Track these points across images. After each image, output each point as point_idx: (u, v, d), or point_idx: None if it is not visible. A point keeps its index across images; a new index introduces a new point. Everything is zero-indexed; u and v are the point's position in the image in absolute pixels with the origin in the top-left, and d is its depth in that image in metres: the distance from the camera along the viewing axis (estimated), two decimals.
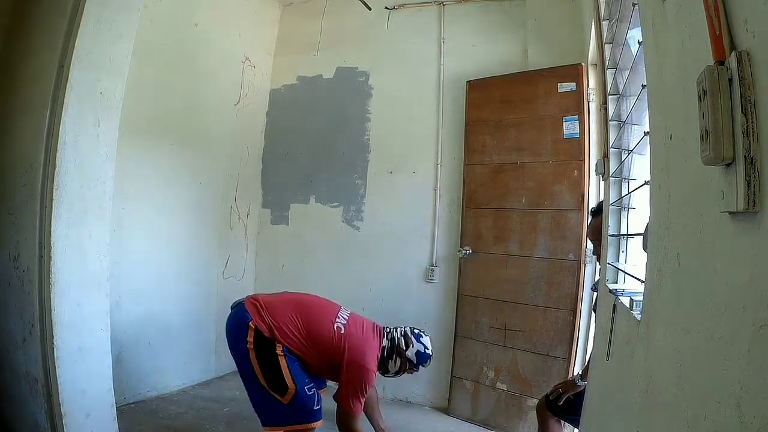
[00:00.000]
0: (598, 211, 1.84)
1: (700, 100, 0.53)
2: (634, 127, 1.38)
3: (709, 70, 0.51)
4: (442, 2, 3.27)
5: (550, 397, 1.92)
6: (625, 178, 1.48)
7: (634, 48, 1.22)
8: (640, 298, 0.97)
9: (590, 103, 2.63)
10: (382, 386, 2.99)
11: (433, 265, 3.14)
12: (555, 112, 2.71)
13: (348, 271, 3.37)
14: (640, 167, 1.39)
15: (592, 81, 2.63)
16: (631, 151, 1.34)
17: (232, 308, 2.01)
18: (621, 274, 1.43)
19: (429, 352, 2.04)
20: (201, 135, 3.19)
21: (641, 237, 1.06)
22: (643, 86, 1.06)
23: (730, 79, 0.49)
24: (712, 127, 0.50)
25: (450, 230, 3.12)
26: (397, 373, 2.04)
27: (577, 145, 2.62)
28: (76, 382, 1.80)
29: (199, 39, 3.11)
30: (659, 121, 0.85)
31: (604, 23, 1.71)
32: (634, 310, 1.03)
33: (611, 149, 1.54)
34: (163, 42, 2.84)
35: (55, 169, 1.77)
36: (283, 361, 1.85)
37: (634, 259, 1.41)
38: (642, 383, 0.81)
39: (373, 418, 2.31)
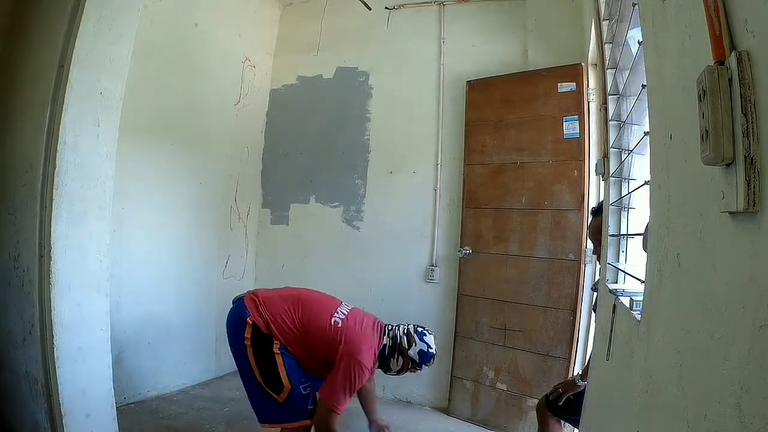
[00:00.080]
0: (598, 211, 1.84)
1: (700, 100, 0.53)
2: (634, 127, 1.38)
3: (709, 70, 0.51)
4: (442, 2, 3.27)
5: (550, 397, 1.91)
6: (625, 178, 1.48)
7: (634, 48, 1.22)
8: (640, 298, 0.97)
9: (590, 103, 2.63)
10: (382, 386, 2.99)
11: (433, 265, 3.14)
12: (555, 112, 2.71)
13: (348, 271, 3.37)
14: (640, 167, 1.39)
15: (592, 81, 2.63)
16: (631, 151, 1.34)
17: (233, 302, 2.00)
18: (621, 274, 1.43)
19: (432, 351, 1.97)
20: (201, 135, 3.19)
21: (641, 237, 1.06)
22: (643, 86, 1.06)
23: (730, 79, 0.49)
24: (712, 127, 0.50)
25: (450, 230, 3.12)
26: (399, 372, 1.99)
27: (577, 145, 2.62)
28: (76, 382, 1.80)
29: (199, 39, 3.11)
30: (659, 121, 0.85)
31: (604, 23, 1.71)
32: (634, 310, 1.03)
33: (611, 149, 1.54)
34: (163, 42, 2.85)
35: (55, 169, 1.77)
36: (279, 360, 1.83)
37: (634, 259, 1.41)
38: (642, 383, 0.81)
39: (368, 410, 2.26)
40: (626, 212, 1.47)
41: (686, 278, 0.65)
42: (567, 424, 2.01)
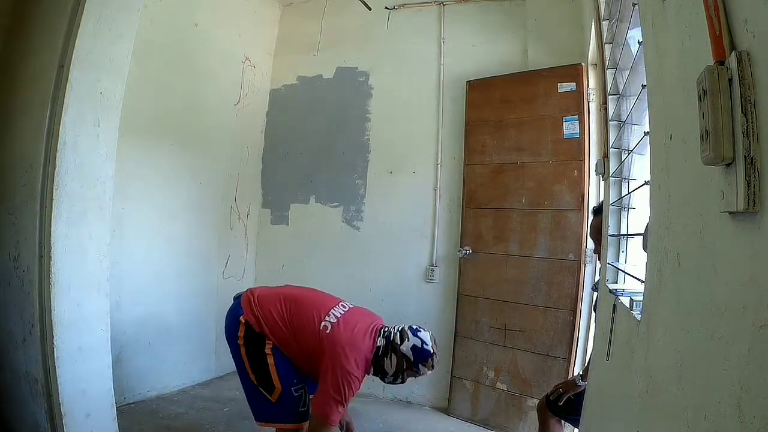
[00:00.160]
0: (599, 210, 1.84)
1: (700, 100, 0.53)
2: (634, 127, 1.38)
3: (709, 70, 0.51)
4: (442, 2, 3.27)
5: (551, 397, 1.91)
6: (625, 178, 1.48)
7: (634, 48, 1.22)
8: (640, 298, 0.97)
9: (590, 103, 2.63)
10: (382, 386, 2.99)
11: (433, 265, 3.14)
12: (555, 112, 2.71)
13: (348, 271, 3.37)
14: (640, 167, 1.39)
15: (592, 81, 2.63)
16: (631, 151, 1.34)
17: (234, 299, 1.99)
18: (621, 274, 1.43)
19: (428, 348, 1.83)
20: (201, 135, 3.19)
21: (641, 237, 1.06)
22: (643, 86, 1.06)
23: (730, 79, 0.49)
24: (712, 127, 0.50)
25: (450, 230, 3.12)
26: (396, 375, 1.85)
27: (577, 145, 2.62)
28: (76, 382, 1.80)
29: (199, 39, 3.11)
30: (659, 121, 0.85)
31: (604, 23, 1.71)
32: (634, 310, 1.03)
33: (611, 149, 1.54)
34: (163, 42, 2.85)
35: (55, 169, 1.77)
36: (271, 360, 1.80)
37: (634, 259, 1.41)
38: (642, 383, 0.81)
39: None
40: (626, 212, 1.47)
41: (686, 278, 0.65)
42: (567, 424, 2.01)
